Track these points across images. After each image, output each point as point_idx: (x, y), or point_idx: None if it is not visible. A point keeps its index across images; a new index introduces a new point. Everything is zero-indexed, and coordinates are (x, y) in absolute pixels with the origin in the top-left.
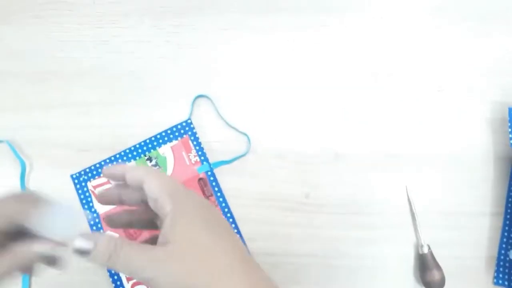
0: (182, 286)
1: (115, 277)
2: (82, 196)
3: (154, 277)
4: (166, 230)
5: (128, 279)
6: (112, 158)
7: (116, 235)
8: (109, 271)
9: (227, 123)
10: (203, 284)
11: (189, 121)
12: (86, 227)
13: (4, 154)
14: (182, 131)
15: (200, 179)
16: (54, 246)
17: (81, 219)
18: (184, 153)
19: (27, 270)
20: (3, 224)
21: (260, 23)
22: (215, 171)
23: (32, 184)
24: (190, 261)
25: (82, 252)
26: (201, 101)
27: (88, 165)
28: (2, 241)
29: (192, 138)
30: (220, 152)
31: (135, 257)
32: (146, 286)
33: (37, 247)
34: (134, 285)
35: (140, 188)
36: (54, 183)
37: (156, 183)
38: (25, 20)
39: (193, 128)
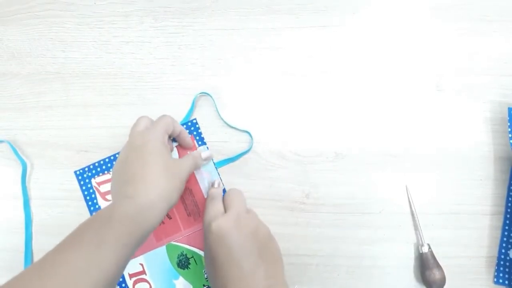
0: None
1: None
2: (86, 193)
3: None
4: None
5: (130, 276)
6: (117, 155)
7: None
8: None
9: (227, 124)
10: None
11: (194, 120)
12: None
13: (4, 154)
14: (187, 131)
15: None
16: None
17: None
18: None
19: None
20: (171, 132)
21: (260, 24)
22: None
23: (33, 184)
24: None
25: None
26: (201, 101)
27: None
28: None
29: (197, 138)
30: (220, 152)
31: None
32: None
33: (201, 153)
34: (136, 283)
35: None
36: (55, 183)
37: None
38: (25, 21)
39: (198, 128)
